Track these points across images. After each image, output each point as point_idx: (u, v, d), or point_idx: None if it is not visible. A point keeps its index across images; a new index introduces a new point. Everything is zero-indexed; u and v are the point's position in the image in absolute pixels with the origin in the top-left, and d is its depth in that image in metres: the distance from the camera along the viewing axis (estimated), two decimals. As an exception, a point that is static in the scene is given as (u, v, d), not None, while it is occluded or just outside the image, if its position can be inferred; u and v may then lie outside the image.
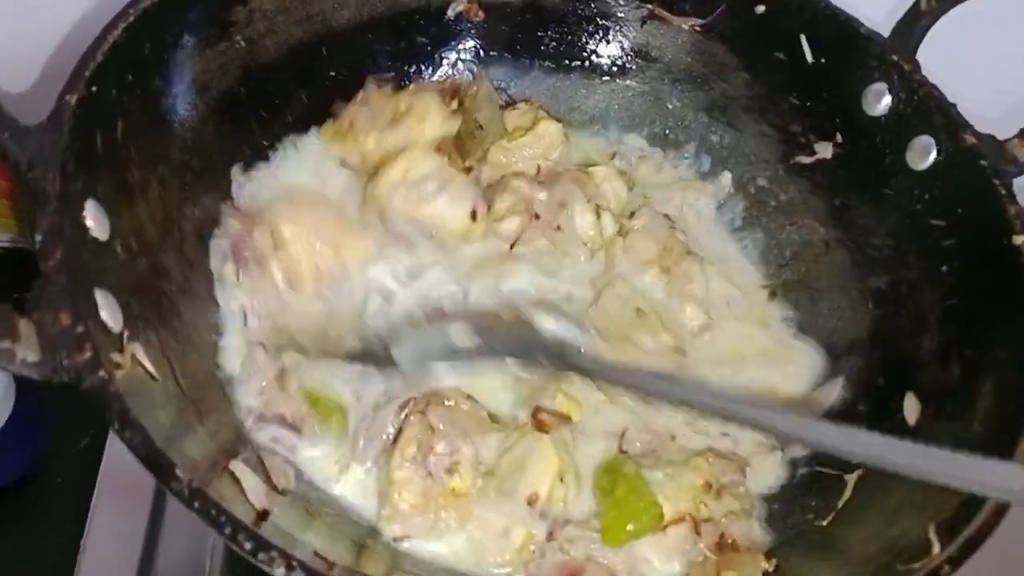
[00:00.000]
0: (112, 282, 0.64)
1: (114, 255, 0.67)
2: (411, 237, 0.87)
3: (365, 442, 0.75)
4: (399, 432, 0.74)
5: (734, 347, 0.90)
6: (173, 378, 0.67)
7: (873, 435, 0.62)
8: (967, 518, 0.62)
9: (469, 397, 0.78)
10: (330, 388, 0.77)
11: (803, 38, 0.93)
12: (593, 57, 1.04)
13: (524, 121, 0.99)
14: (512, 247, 0.90)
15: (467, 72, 1.03)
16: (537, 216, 0.91)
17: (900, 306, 0.86)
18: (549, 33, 1.03)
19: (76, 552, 0.83)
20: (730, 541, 0.73)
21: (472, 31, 1.02)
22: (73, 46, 0.71)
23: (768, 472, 0.81)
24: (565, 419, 0.78)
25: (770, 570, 0.72)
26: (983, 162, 0.81)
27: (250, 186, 0.88)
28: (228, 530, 0.53)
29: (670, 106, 1.03)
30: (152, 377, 0.64)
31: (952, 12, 0.87)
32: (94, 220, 0.65)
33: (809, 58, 0.93)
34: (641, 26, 1.01)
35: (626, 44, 1.03)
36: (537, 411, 0.77)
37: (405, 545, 0.72)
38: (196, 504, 0.53)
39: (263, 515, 0.63)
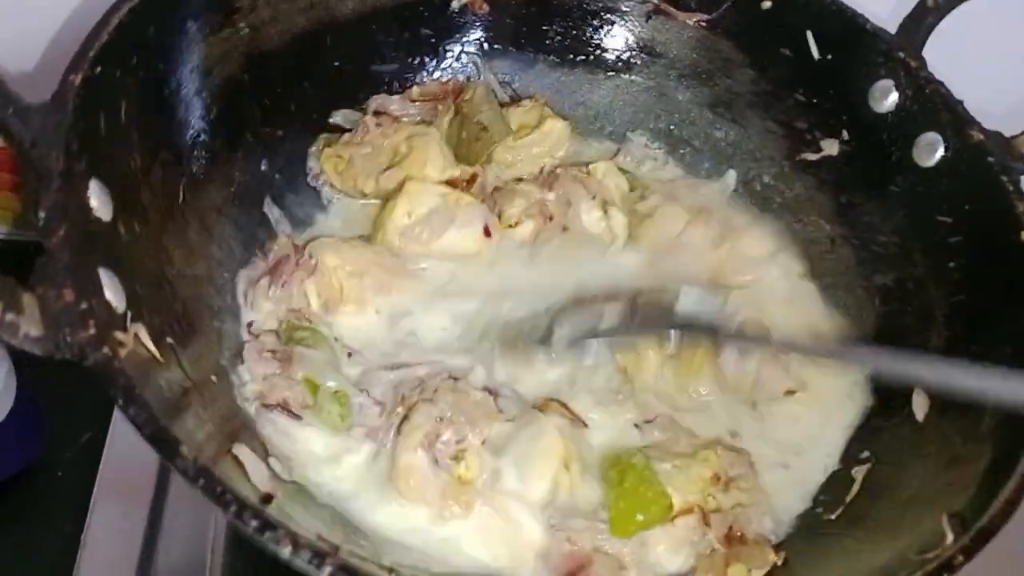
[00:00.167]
0: (116, 263, 0.63)
1: (118, 236, 0.66)
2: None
3: (369, 430, 0.75)
4: (405, 419, 0.73)
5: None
6: (176, 361, 0.66)
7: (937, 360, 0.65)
8: (981, 508, 0.61)
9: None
10: (334, 377, 0.76)
11: (809, 34, 0.93)
12: (598, 52, 1.03)
13: (529, 119, 0.99)
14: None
15: (471, 65, 1.02)
16: (551, 217, 0.91)
17: (906, 303, 0.86)
18: (554, 27, 1.02)
19: (76, 548, 0.81)
20: (739, 533, 0.72)
21: (477, 24, 1.01)
22: (78, 26, 0.70)
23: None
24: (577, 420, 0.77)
25: (779, 563, 0.71)
26: (990, 159, 0.81)
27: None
28: (234, 508, 0.51)
29: (675, 102, 1.03)
30: (155, 359, 0.63)
31: (957, 9, 0.87)
32: (97, 200, 0.64)
33: (815, 54, 0.93)
34: (646, 21, 1.01)
35: (631, 39, 1.02)
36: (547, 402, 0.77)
37: (408, 534, 0.71)
38: (201, 482, 0.52)
39: (267, 499, 0.62)
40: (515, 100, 1.02)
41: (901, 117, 0.88)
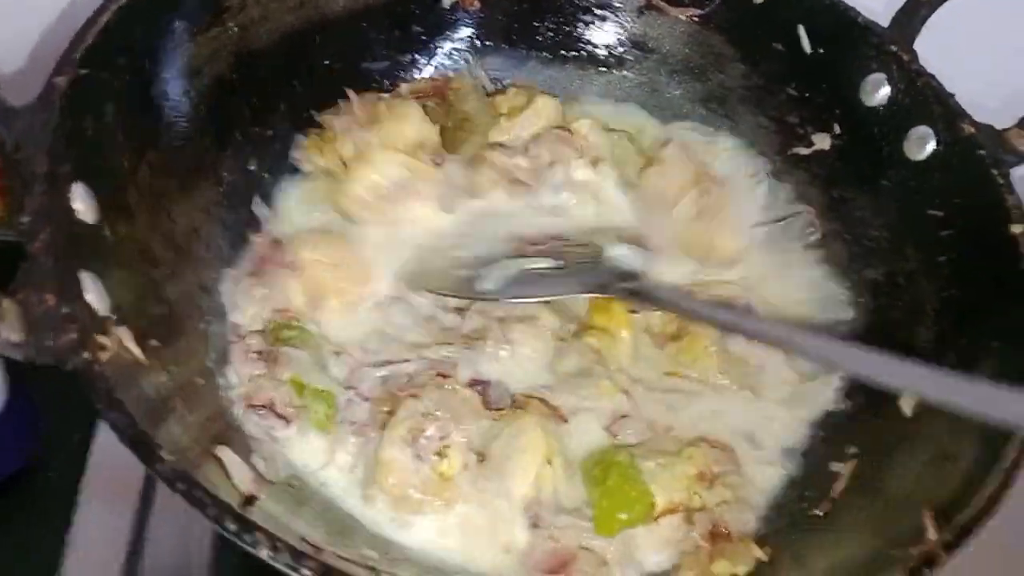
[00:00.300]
0: (100, 266, 0.63)
1: (102, 238, 0.66)
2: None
3: (354, 428, 0.75)
4: (389, 414, 0.73)
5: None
6: (160, 363, 0.66)
7: (918, 366, 0.62)
8: (964, 504, 0.61)
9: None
10: (320, 377, 0.77)
11: (801, 28, 0.92)
12: (590, 48, 1.03)
13: (518, 101, 0.98)
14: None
15: (463, 62, 1.02)
16: (521, 182, 0.90)
17: (897, 298, 0.85)
18: (546, 23, 1.02)
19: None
20: (723, 530, 0.72)
21: (468, 20, 1.01)
22: (64, 28, 0.71)
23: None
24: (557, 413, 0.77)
25: (764, 559, 0.71)
26: (981, 152, 0.80)
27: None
28: (212, 511, 0.52)
29: (667, 97, 1.02)
30: (139, 362, 0.63)
31: (949, 2, 0.87)
32: (82, 203, 0.64)
33: (807, 48, 0.93)
34: (638, 16, 1.01)
35: (623, 34, 1.02)
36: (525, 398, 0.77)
37: (391, 530, 0.71)
38: (180, 485, 0.52)
39: (250, 500, 0.62)
40: (500, 91, 1.01)
41: (893, 111, 0.87)
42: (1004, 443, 0.64)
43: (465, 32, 1.01)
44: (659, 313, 0.84)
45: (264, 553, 0.51)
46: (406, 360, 0.78)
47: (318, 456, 0.74)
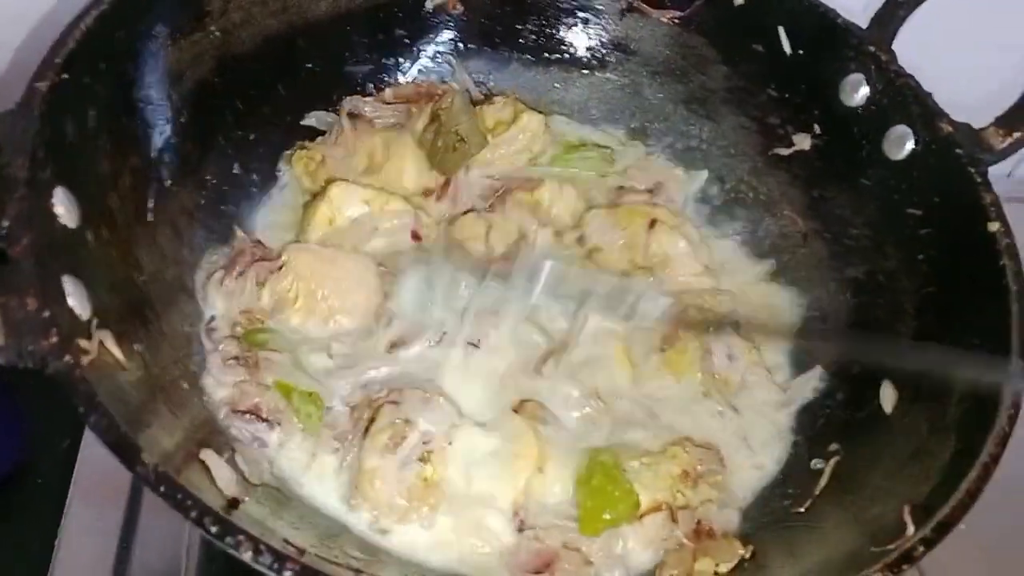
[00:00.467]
0: (82, 270, 0.63)
1: (85, 243, 0.66)
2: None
3: (338, 433, 0.75)
4: (371, 421, 0.73)
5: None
6: (144, 367, 0.66)
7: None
8: (941, 500, 0.62)
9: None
10: (304, 381, 0.77)
11: (781, 30, 0.93)
12: (572, 50, 1.04)
13: (504, 115, 0.99)
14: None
15: (446, 65, 1.02)
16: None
17: (877, 296, 0.86)
18: (528, 26, 1.03)
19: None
20: (707, 528, 0.73)
21: (450, 24, 1.01)
22: (45, 33, 0.70)
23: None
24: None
25: (747, 556, 0.71)
26: (959, 151, 0.81)
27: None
28: (194, 513, 0.52)
29: (649, 99, 1.03)
30: (121, 366, 0.63)
31: (927, 2, 0.87)
32: (63, 207, 0.64)
33: (787, 50, 0.93)
34: (620, 19, 1.01)
35: (605, 37, 1.03)
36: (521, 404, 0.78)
37: (377, 535, 0.71)
38: (162, 488, 0.52)
39: (233, 503, 0.63)
40: (488, 97, 1.02)
41: (871, 111, 0.88)
42: (983, 437, 0.64)
43: (448, 35, 1.02)
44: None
45: (247, 556, 0.52)
46: (384, 364, 0.79)
47: (302, 459, 0.74)
